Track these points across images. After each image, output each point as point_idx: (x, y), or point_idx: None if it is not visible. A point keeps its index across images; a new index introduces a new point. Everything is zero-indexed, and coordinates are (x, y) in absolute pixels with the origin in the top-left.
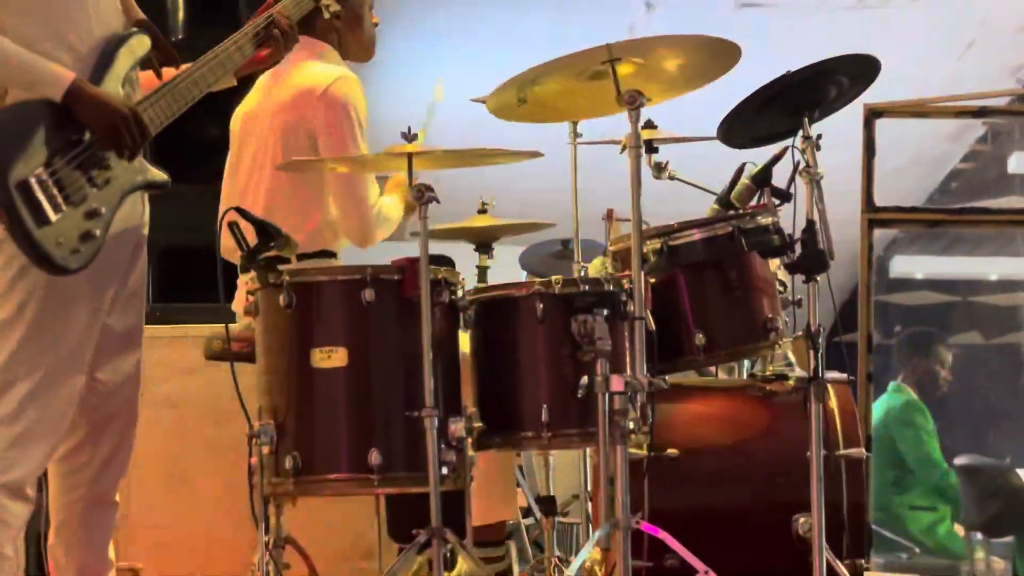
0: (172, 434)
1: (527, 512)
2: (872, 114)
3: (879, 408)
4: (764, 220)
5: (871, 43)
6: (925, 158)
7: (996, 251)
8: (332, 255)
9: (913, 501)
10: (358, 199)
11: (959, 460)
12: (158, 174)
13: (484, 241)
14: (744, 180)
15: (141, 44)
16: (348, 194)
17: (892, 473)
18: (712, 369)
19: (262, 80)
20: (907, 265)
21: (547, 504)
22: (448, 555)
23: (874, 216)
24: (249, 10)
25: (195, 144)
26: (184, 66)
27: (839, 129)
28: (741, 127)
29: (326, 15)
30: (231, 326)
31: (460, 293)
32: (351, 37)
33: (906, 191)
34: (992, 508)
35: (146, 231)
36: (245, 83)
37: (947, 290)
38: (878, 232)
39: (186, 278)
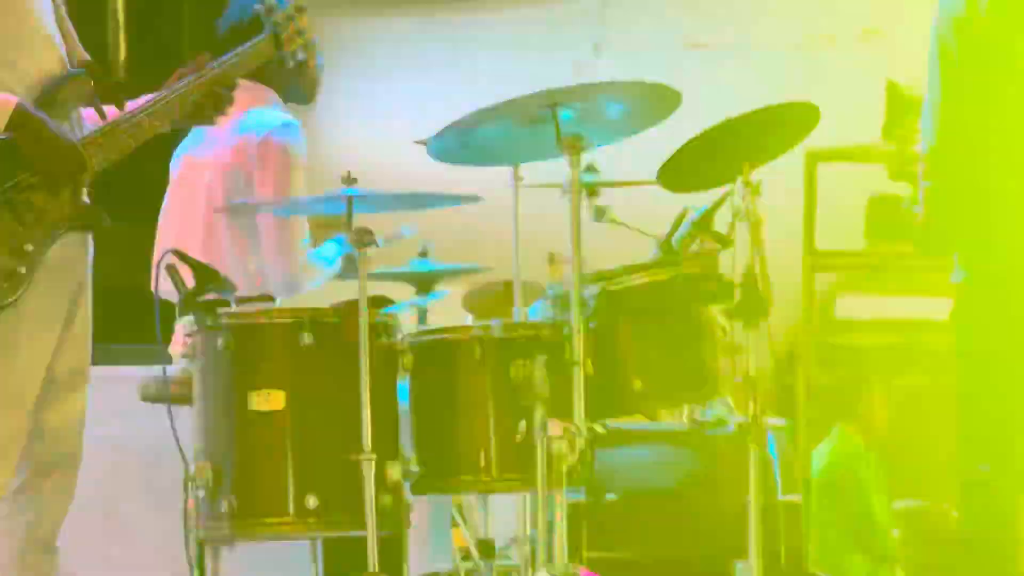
0: (108, 477)
1: (466, 555)
2: (813, 159)
3: (822, 453)
4: (704, 266)
5: (818, 85)
6: None
7: (943, 292)
8: (271, 299)
9: (852, 553)
10: (287, 247)
11: (899, 504)
12: (97, 215)
13: (424, 284)
14: (685, 225)
15: (84, 83)
16: (277, 243)
17: (834, 515)
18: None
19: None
20: (853, 306)
21: (485, 547)
22: None
23: (816, 260)
24: (192, 50)
25: (132, 183)
26: (128, 105)
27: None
28: (682, 172)
29: (290, 64)
30: (168, 368)
31: (400, 337)
32: (296, 80)
33: (851, 234)
34: (933, 553)
35: (90, 272)
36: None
37: (894, 330)
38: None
39: (122, 319)
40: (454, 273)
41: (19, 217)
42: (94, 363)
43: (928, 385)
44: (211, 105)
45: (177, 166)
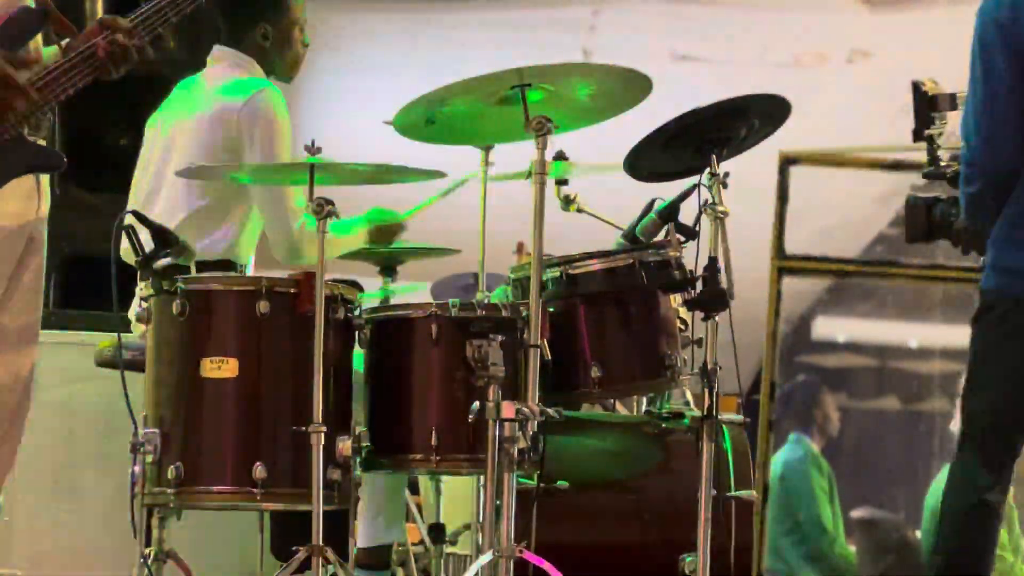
0: (60, 441)
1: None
2: (786, 161)
3: (779, 459)
4: (666, 254)
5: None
6: (852, 219)
7: (916, 318)
8: (233, 267)
9: (802, 558)
10: (282, 211)
11: (857, 513)
12: (44, 153)
13: (389, 265)
14: (651, 215)
15: (38, 18)
16: (271, 206)
17: (788, 523)
18: (612, 403)
19: (180, 89)
20: (829, 327)
21: (436, 532)
22: None
23: (784, 264)
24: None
25: (106, 153)
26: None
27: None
28: (648, 160)
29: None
30: (128, 336)
31: (357, 311)
32: (277, 55)
33: (830, 252)
34: (887, 562)
35: (44, 227)
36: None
37: (867, 354)
38: (798, 288)
39: (90, 287)
40: (419, 252)
41: None
42: (54, 327)
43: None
44: (113, 63)
45: (154, 130)
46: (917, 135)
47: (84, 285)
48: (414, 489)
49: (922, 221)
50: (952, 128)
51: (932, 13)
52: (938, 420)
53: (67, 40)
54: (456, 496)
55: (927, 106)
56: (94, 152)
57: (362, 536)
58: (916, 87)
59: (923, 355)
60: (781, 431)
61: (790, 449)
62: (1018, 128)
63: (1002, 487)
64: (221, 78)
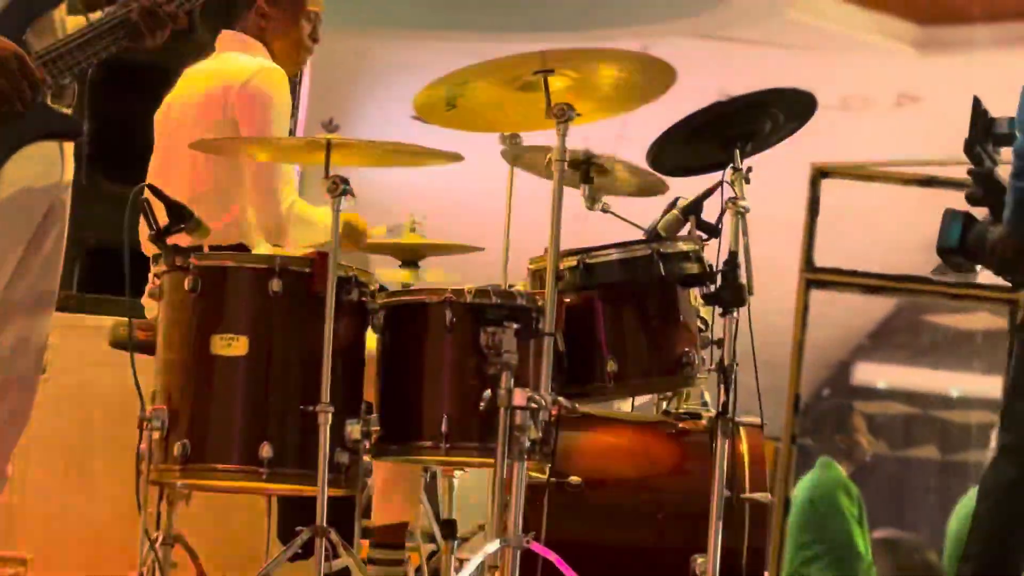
0: (74, 426)
1: (431, 538)
2: (819, 174)
3: (806, 483)
4: (684, 247)
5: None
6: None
7: (958, 367)
8: (247, 251)
9: None
10: (270, 190)
11: (879, 533)
12: (63, 120)
13: (411, 258)
14: (673, 212)
15: None
16: (260, 185)
17: (815, 548)
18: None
19: (189, 70)
20: (871, 373)
21: (448, 527)
22: None
23: (813, 276)
24: None
25: (133, 144)
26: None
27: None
28: (672, 153)
29: None
30: (142, 318)
31: (371, 295)
32: (277, 41)
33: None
34: None
35: (67, 196)
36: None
37: (909, 402)
38: (837, 335)
39: (114, 276)
40: (442, 248)
41: None
42: (76, 311)
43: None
44: (147, 26)
45: (162, 115)
46: (968, 148)
47: (109, 274)
48: None
49: (956, 234)
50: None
51: (980, 56)
52: (972, 469)
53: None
54: (471, 494)
55: (985, 124)
56: (121, 143)
57: (377, 514)
58: (977, 102)
59: (964, 404)
60: (809, 454)
61: (818, 473)
62: None
63: None
64: (223, 59)
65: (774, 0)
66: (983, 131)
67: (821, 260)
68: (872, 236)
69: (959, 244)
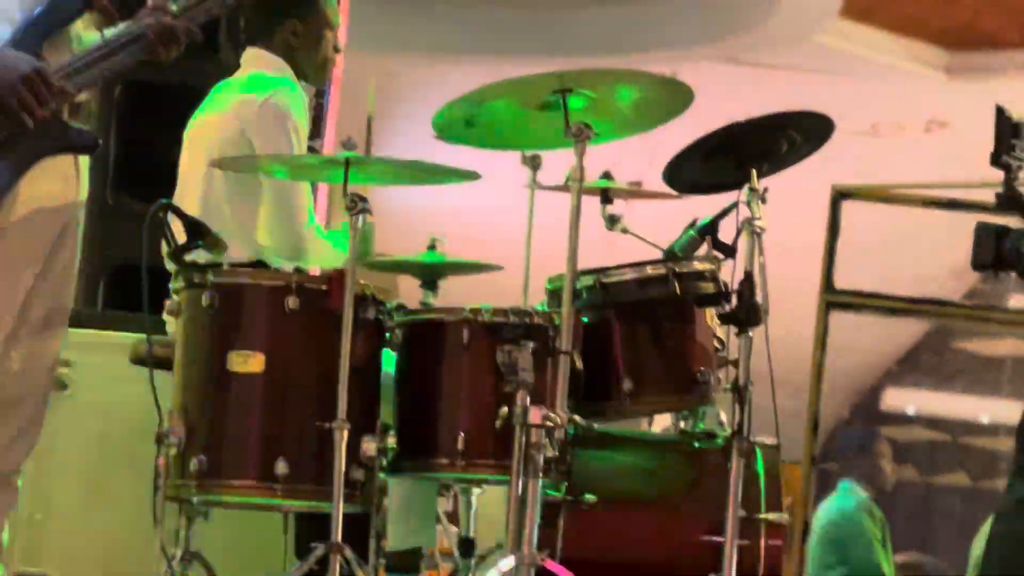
0: (94, 443)
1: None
2: (839, 195)
3: (828, 506)
4: (700, 266)
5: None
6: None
7: (987, 393)
8: (266, 267)
9: None
10: (290, 209)
11: (901, 557)
12: (80, 135)
13: (430, 277)
14: (690, 232)
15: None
16: (280, 204)
17: (839, 570)
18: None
19: (213, 92)
20: (899, 399)
21: (465, 546)
22: None
23: (832, 299)
24: None
25: (158, 163)
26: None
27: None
28: (688, 172)
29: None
30: (164, 334)
31: (388, 313)
32: (306, 57)
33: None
34: None
35: (81, 213)
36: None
37: (937, 428)
38: (869, 363)
39: (138, 294)
40: (462, 268)
41: None
42: (99, 327)
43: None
44: (162, 41)
45: (187, 132)
46: (995, 160)
47: (134, 291)
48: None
49: (990, 248)
50: None
51: (1012, 83)
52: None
53: (110, 27)
54: (489, 514)
55: (1010, 132)
56: (146, 162)
57: (392, 538)
58: (1000, 111)
59: (992, 431)
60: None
61: (841, 497)
62: None
63: None
64: (246, 77)
65: (804, 26)
66: (1007, 142)
67: (847, 283)
68: (898, 260)
69: (994, 258)
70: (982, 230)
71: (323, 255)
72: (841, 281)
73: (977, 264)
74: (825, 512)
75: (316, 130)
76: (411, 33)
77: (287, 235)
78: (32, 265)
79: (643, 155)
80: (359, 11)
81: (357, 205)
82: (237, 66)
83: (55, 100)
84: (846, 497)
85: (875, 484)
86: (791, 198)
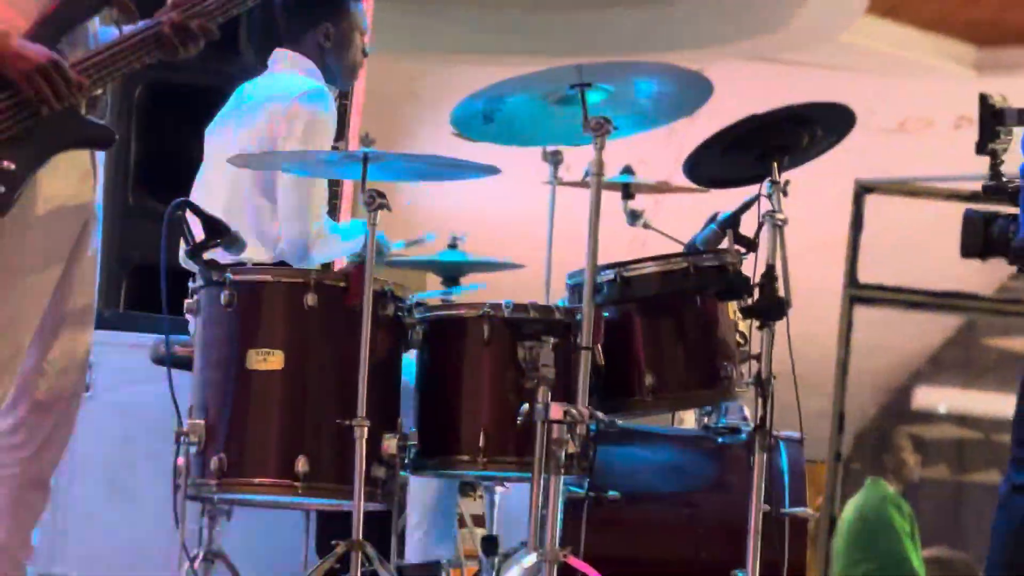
0: (116, 443)
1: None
2: (862, 190)
3: (856, 502)
4: (722, 259)
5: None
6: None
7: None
8: (285, 265)
9: None
10: (304, 209)
11: (929, 551)
12: (97, 128)
13: (452, 275)
14: (711, 226)
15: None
16: (295, 202)
17: (865, 566)
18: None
19: (237, 93)
20: (930, 397)
21: (489, 544)
22: None
23: (856, 293)
24: None
25: (180, 165)
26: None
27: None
28: (708, 165)
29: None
30: (185, 334)
31: (408, 309)
32: (336, 60)
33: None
34: None
35: (99, 211)
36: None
37: (968, 425)
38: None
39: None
40: (483, 266)
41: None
42: (121, 328)
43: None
44: (179, 39)
45: (210, 134)
46: (980, 148)
47: (156, 292)
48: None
49: (978, 236)
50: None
51: None
52: None
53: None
54: (513, 512)
55: (993, 119)
56: (168, 164)
57: (411, 551)
58: (983, 99)
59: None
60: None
61: (867, 492)
62: None
63: None
64: (274, 78)
65: (832, 23)
66: (991, 129)
67: (873, 278)
68: (927, 257)
69: (983, 245)
70: (970, 217)
71: (330, 251)
72: (869, 278)
73: (966, 251)
74: (852, 508)
75: (340, 132)
76: (434, 36)
77: (297, 236)
78: (59, 263)
79: (669, 154)
80: (382, 14)
81: (375, 200)
82: (260, 67)
83: (72, 93)
84: (872, 491)
85: (900, 478)
86: (820, 196)
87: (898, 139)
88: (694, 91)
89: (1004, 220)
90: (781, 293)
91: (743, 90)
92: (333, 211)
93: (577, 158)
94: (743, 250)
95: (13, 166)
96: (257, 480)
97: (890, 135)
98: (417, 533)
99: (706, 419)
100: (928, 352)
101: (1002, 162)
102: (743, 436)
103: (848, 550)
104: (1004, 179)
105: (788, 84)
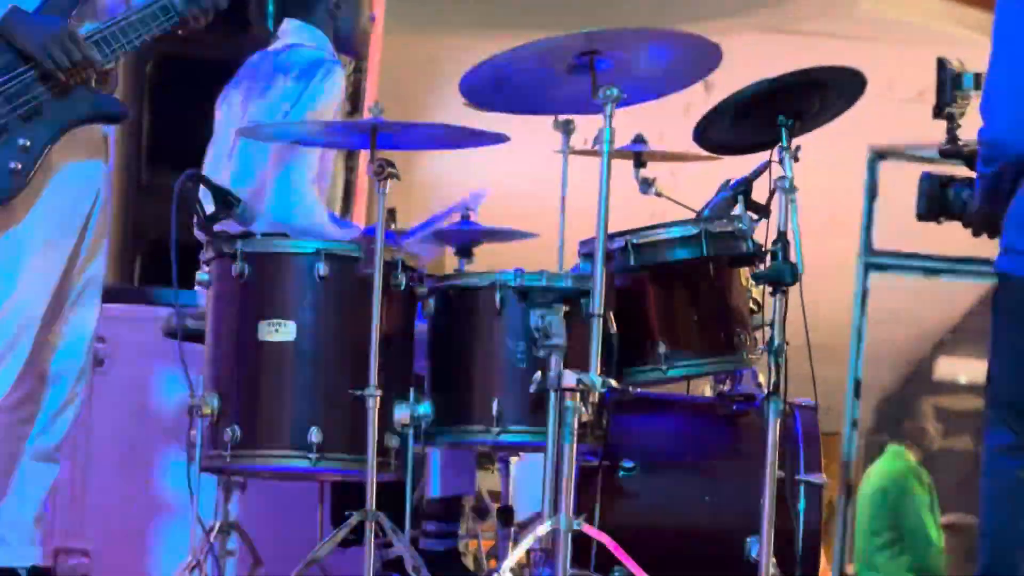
0: (133, 416)
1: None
2: (876, 156)
3: (877, 470)
4: (734, 226)
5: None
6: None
7: None
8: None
9: (902, 570)
10: (282, 176)
11: (947, 518)
12: (109, 102)
13: (465, 246)
14: (723, 193)
15: None
16: (274, 169)
17: (887, 535)
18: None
19: (250, 60)
20: (952, 367)
21: (505, 514)
22: None
23: (871, 260)
24: None
25: (190, 140)
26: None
27: None
28: (718, 131)
29: None
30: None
31: (420, 279)
32: (346, 25)
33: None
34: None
35: (110, 185)
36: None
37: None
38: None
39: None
40: (496, 236)
41: (15, 110)
42: (135, 302)
43: None
44: (190, 11)
45: (219, 105)
46: (938, 112)
47: (168, 267)
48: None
49: (934, 199)
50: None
51: None
52: None
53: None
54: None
55: (951, 83)
56: (180, 138)
57: (432, 486)
58: (941, 63)
59: None
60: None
61: (889, 460)
62: None
63: None
64: (285, 50)
65: None
66: (949, 93)
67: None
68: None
69: (939, 208)
70: (926, 180)
71: (309, 227)
72: (889, 247)
73: (922, 214)
74: (874, 476)
75: (354, 106)
76: (450, 13)
77: (277, 200)
78: (71, 237)
79: (687, 129)
80: None
81: (384, 170)
82: (269, 39)
83: (84, 66)
84: (894, 461)
85: (921, 446)
86: (840, 166)
87: (917, 108)
88: (704, 57)
89: (960, 184)
90: (793, 259)
91: (760, 63)
92: (347, 198)
93: (592, 128)
94: (756, 216)
95: (29, 143)
96: (271, 451)
97: (909, 105)
98: (438, 467)
99: (721, 386)
100: (951, 322)
101: (959, 126)
102: (757, 403)
103: (869, 519)
104: (960, 143)
105: (805, 55)
